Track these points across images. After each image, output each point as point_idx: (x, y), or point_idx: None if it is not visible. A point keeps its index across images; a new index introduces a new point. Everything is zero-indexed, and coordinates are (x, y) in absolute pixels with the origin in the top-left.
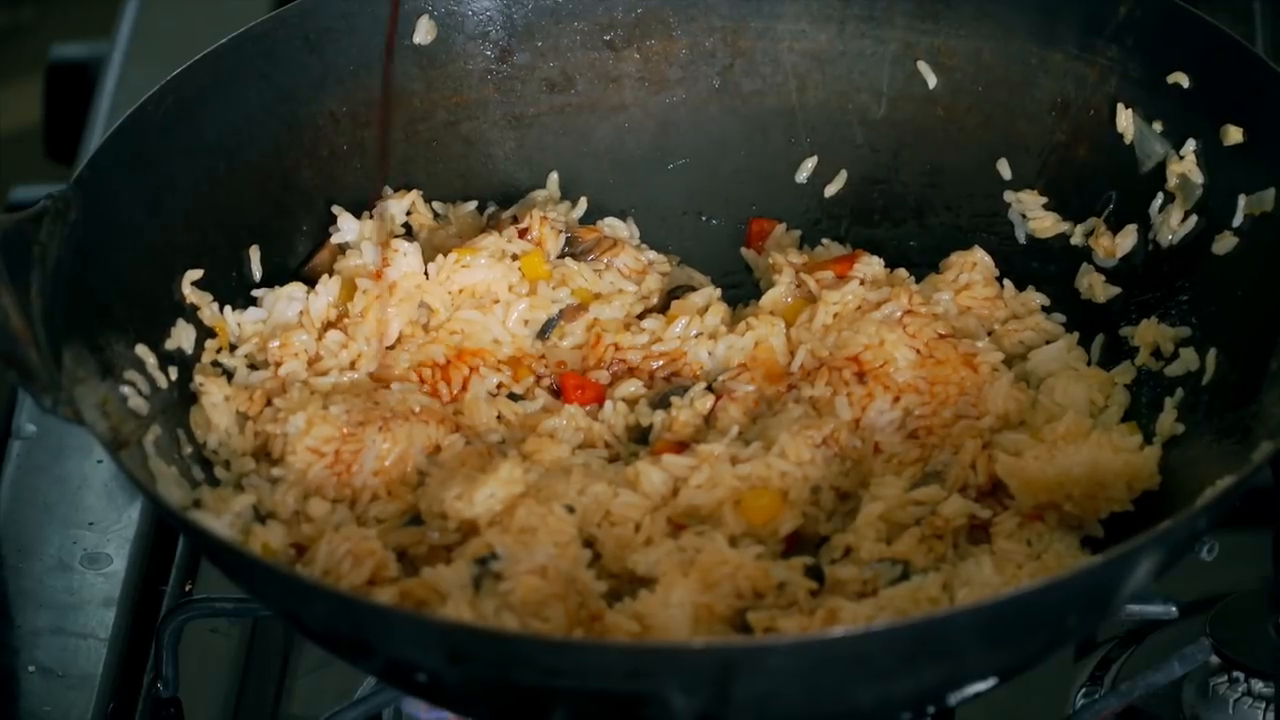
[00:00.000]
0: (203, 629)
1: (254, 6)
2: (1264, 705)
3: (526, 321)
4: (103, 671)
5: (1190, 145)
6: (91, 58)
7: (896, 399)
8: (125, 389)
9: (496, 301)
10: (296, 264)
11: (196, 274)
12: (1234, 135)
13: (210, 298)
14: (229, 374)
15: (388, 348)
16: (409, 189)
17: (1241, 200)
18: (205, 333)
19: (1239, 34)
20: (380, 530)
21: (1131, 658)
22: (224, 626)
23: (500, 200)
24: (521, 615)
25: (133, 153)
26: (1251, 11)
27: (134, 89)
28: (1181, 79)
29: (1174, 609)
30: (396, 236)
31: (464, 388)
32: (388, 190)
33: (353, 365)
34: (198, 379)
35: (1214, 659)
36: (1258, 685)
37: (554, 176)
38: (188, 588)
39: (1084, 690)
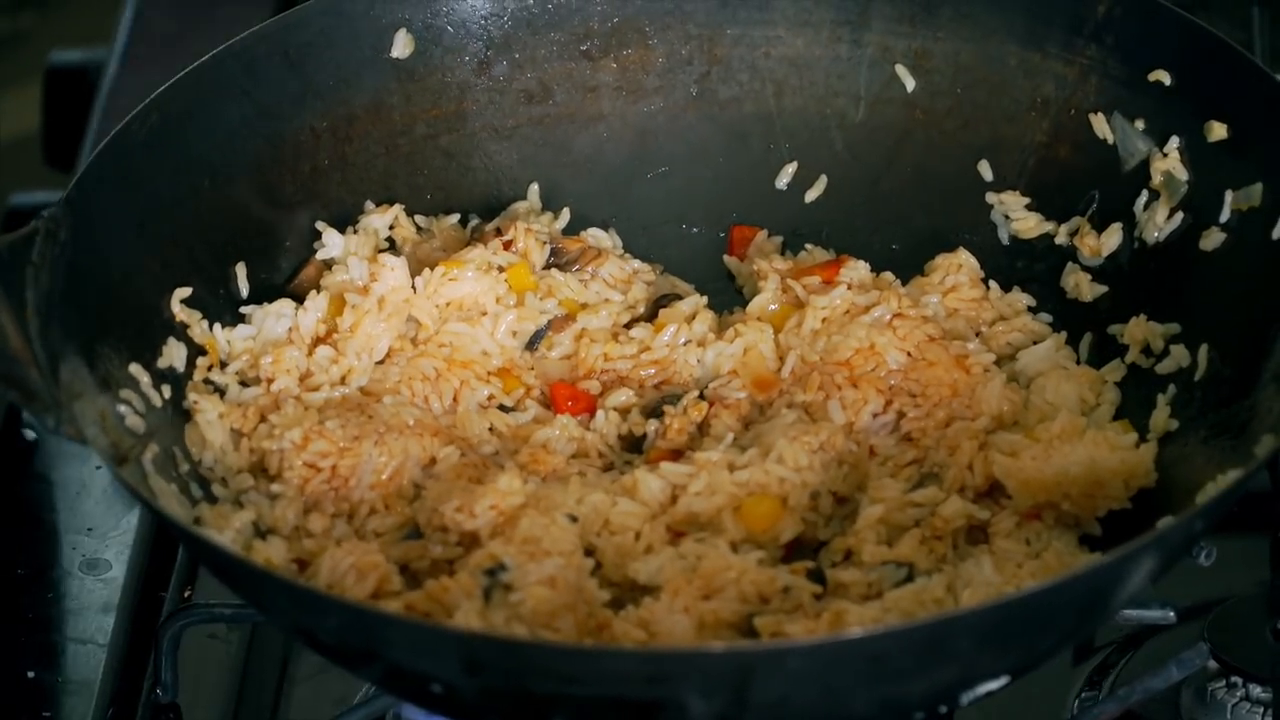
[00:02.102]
0: (202, 634)
1: (253, 11)
2: (1262, 710)
3: (515, 333)
4: (102, 677)
5: (1174, 142)
6: (90, 63)
7: (889, 402)
8: (122, 408)
9: (484, 314)
10: (282, 280)
11: (185, 292)
12: (1218, 131)
13: (199, 315)
14: (221, 391)
15: (377, 362)
16: (391, 203)
17: (1228, 196)
18: (196, 350)
19: (1237, 41)
20: (380, 544)
21: (1129, 662)
22: (223, 632)
23: (482, 212)
24: (532, 626)
25: (119, 172)
26: (1250, 18)
27: (133, 95)
28: (1163, 76)
29: (1172, 614)
30: (381, 251)
31: (455, 400)
32: (370, 205)
33: (344, 380)
34: (191, 397)
35: (1212, 664)
36: (1256, 690)
37: (535, 188)
38: (187, 593)
39: (1082, 695)
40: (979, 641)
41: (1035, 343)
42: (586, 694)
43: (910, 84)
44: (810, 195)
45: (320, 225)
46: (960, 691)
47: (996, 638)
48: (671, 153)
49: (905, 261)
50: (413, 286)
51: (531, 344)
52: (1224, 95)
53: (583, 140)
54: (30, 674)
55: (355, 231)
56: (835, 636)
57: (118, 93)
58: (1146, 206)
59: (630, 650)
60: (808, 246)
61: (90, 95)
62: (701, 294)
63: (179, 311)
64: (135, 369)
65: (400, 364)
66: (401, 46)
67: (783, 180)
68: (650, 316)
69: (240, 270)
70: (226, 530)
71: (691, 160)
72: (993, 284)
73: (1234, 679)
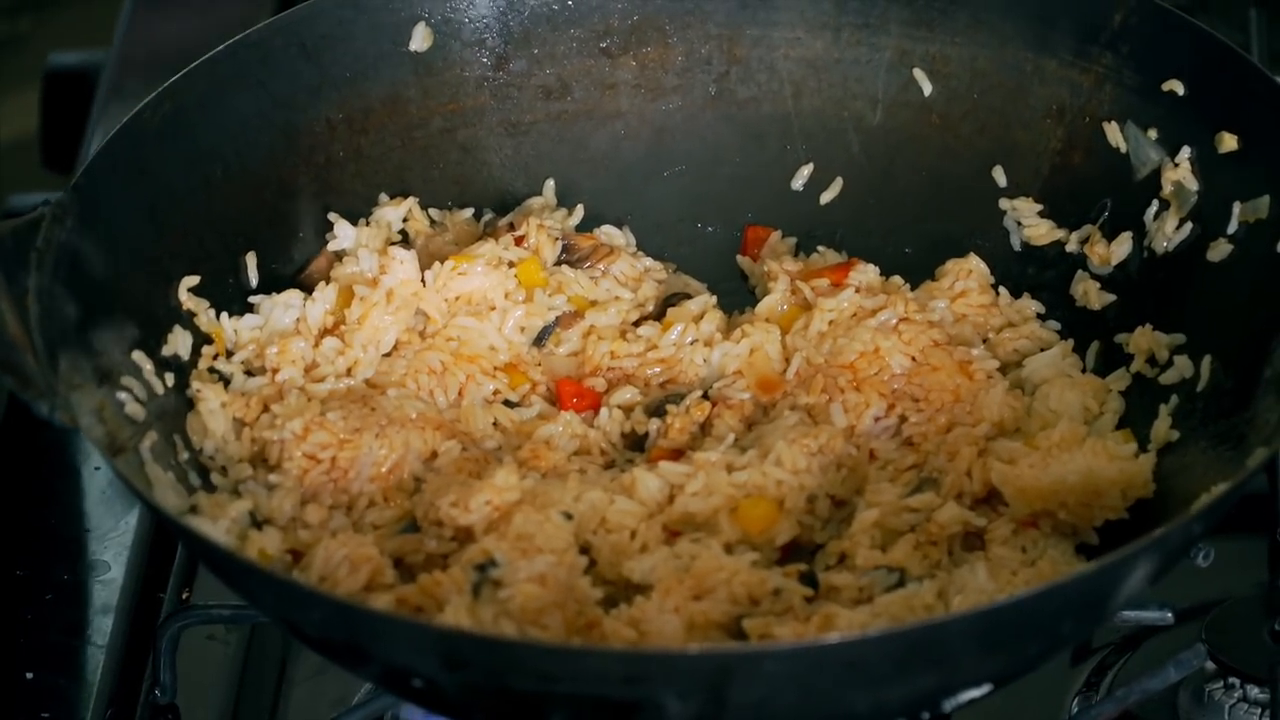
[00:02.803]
0: (200, 635)
1: (252, 14)
2: (1260, 711)
3: (523, 329)
4: (101, 678)
5: (1185, 152)
6: (89, 66)
7: (891, 406)
8: (122, 395)
9: (493, 309)
10: (293, 271)
11: (193, 280)
12: (1229, 142)
13: (207, 304)
14: (225, 380)
15: (384, 355)
16: (405, 196)
17: (1236, 207)
18: (202, 339)
19: (1235, 42)
20: (376, 536)
21: (1127, 663)
22: (221, 633)
23: (496, 207)
24: (520, 623)
25: (129, 159)
26: (1248, 20)
27: (131, 97)
28: (1176, 86)
29: (1170, 615)
30: (393, 244)
31: (460, 394)
32: (384, 197)
33: (349, 372)
34: (194, 385)
35: (1210, 664)
36: (1253, 691)
37: (550, 184)
38: (185, 594)
39: (1080, 696)
40: (962, 648)
41: (1042, 350)
42: (565, 692)
43: (927, 88)
44: (825, 197)
45: (332, 216)
46: (942, 698)
47: (980, 645)
48: (688, 151)
49: (917, 265)
50: (422, 280)
51: (539, 340)
52: (1236, 107)
53: (600, 137)
54: (29, 675)
55: (368, 224)
56: (812, 641)
57: (116, 95)
58: (1156, 216)
59: (605, 650)
60: (820, 248)
61: (89, 98)
62: (714, 293)
63: (186, 300)
64: (138, 356)
65: (407, 357)
66: (420, 40)
67: (798, 181)
68: (659, 315)
69: (250, 260)
70: (222, 519)
71: (708, 159)
72: (1002, 290)
73: (1232, 680)
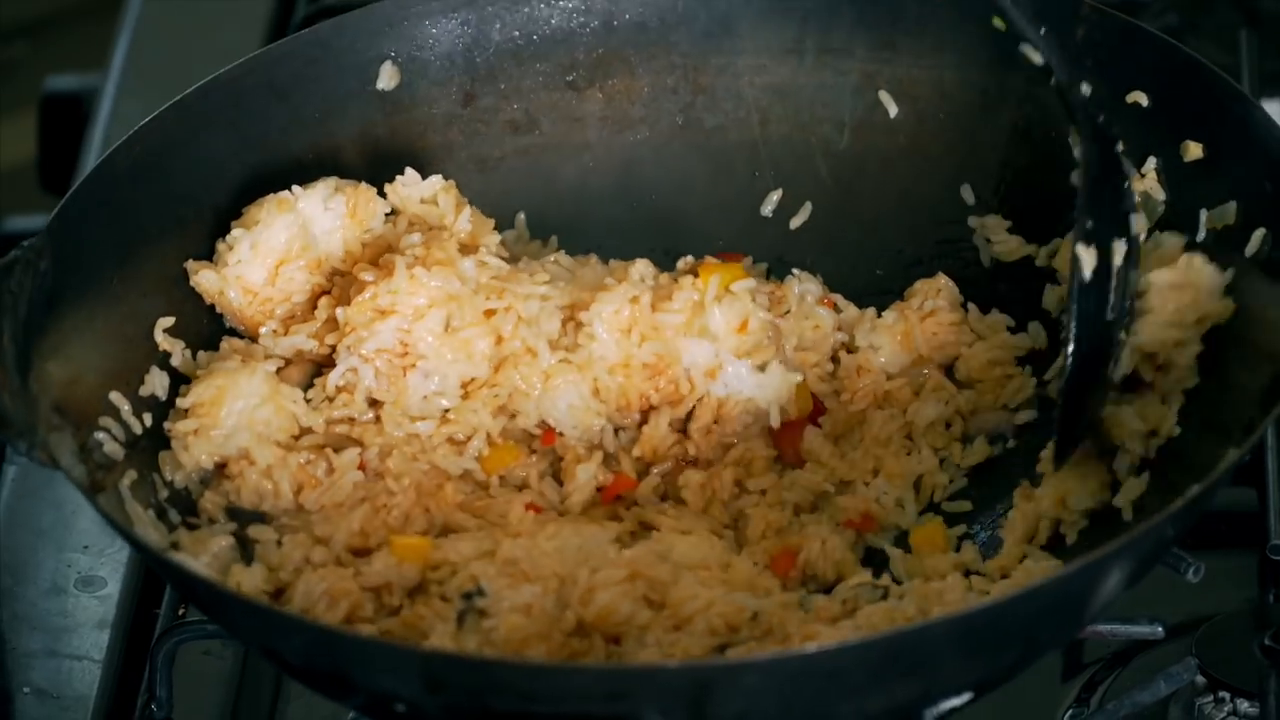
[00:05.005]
0: (196, 651)
1: (248, 38)
2: None
3: None
4: (97, 693)
5: (1151, 163)
6: (85, 90)
7: None
8: (100, 435)
9: None
10: None
11: (168, 321)
12: (1194, 151)
13: (182, 345)
14: None
15: None
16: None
17: (1203, 215)
18: (178, 379)
19: (1225, 64)
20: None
21: (1118, 678)
22: (217, 649)
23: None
24: (504, 653)
25: (102, 202)
26: (1238, 41)
27: (127, 120)
28: (1140, 98)
29: (1160, 629)
30: None
31: None
32: None
33: None
34: (171, 423)
35: (1200, 679)
36: (1243, 705)
37: (521, 217)
38: (181, 611)
39: (1071, 711)
40: (940, 655)
41: None
42: (548, 712)
43: (894, 110)
44: (795, 222)
45: None
46: (924, 707)
47: (958, 651)
48: (657, 181)
49: (888, 286)
50: None
51: None
52: (1199, 115)
53: (568, 170)
54: (26, 690)
55: None
56: (791, 652)
57: (113, 118)
58: None
59: (587, 667)
60: (794, 271)
61: (85, 121)
62: None
63: (162, 340)
64: (116, 397)
65: None
66: (387, 79)
67: (768, 207)
68: None
69: None
70: (203, 555)
71: (677, 189)
72: (972, 307)
73: (1222, 693)
